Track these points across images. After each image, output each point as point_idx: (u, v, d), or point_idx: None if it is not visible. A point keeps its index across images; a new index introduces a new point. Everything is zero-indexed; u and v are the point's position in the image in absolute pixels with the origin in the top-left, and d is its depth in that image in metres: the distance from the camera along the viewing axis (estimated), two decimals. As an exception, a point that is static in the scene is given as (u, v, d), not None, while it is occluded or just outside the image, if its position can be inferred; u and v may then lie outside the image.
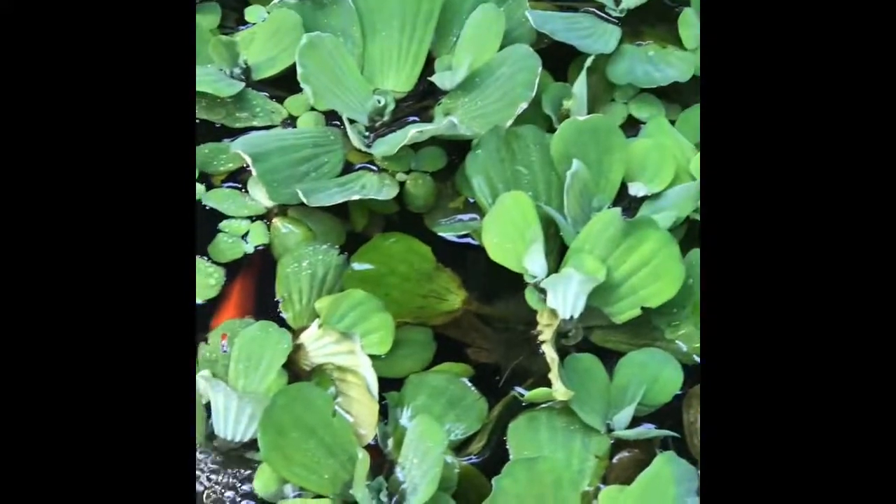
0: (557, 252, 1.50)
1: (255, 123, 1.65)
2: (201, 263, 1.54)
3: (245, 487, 1.40)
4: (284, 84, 1.68)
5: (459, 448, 1.41)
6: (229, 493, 1.40)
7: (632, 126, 1.65)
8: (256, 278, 1.54)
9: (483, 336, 1.50)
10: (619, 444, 1.41)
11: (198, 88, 1.61)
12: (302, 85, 1.58)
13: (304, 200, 1.50)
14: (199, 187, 1.60)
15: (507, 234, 1.47)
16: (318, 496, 1.36)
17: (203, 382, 1.41)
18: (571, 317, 1.45)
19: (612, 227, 1.46)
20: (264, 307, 1.51)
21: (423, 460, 1.34)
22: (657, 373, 1.42)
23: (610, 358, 1.45)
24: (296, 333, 1.47)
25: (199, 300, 1.51)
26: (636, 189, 1.55)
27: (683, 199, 1.52)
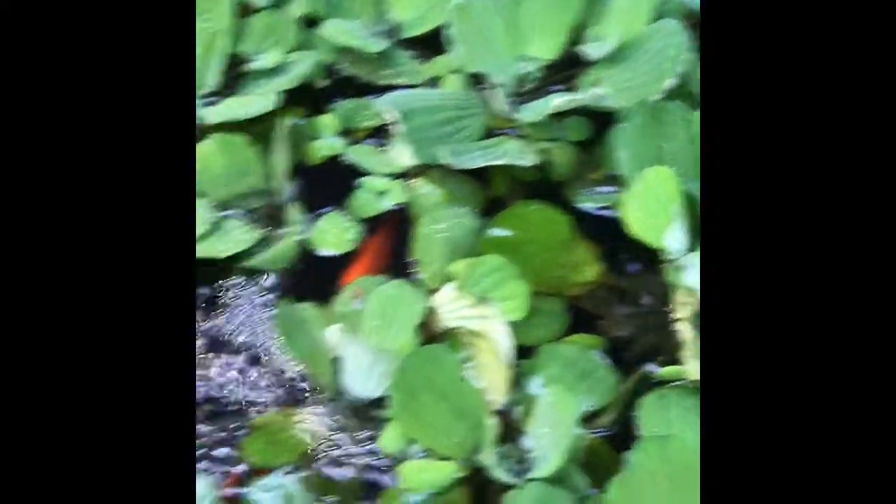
0: (695, 230, 1.48)
1: (398, 81, 1.64)
2: (338, 218, 1.54)
3: (369, 445, 1.40)
4: (428, 44, 1.67)
5: (588, 420, 1.40)
6: (353, 450, 1.41)
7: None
8: (391, 237, 1.54)
9: (616, 310, 1.48)
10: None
11: (345, 43, 1.61)
12: (452, 46, 1.58)
13: (450, 161, 1.49)
14: (340, 142, 1.60)
15: (649, 209, 1.46)
16: (444, 458, 1.36)
17: (335, 336, 1.42)
18: (709, 297, 1.43)
19: (755, 210, 1.44)
20: (396, 266, 1.52)
21: (554, 430, 1.33)
22: (792, 359, 1.41)
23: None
24: (429, 295, 1.46)
25: (334, 252, 1.52)
26: (780, 173, 1.53)
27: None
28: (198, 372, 1.44)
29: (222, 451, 1.40)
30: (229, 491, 1.37)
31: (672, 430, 1.37)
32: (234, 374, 1.45)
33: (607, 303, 1.49)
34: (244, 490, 1.37)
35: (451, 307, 1.44)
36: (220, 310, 1.49)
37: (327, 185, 1.58)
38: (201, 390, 1.43)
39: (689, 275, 1.43)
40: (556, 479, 1.31)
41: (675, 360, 1.42)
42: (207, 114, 1.57)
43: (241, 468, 1.39)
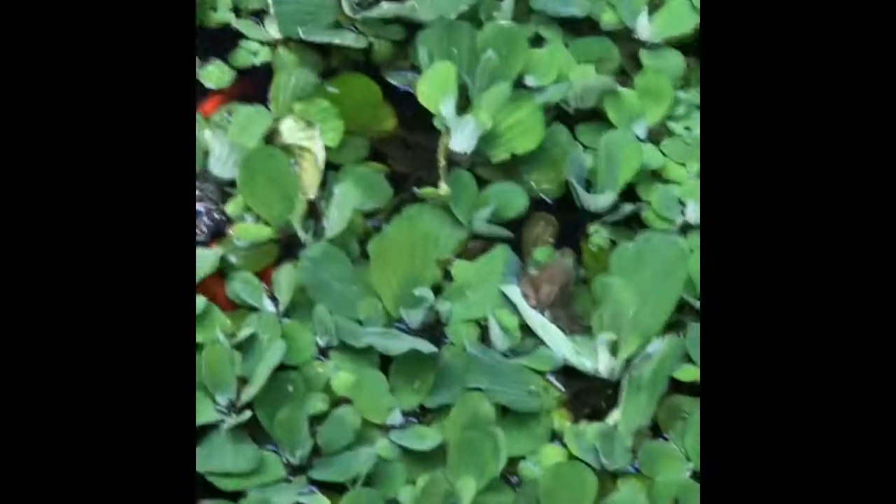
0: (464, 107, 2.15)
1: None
2: (222, 66, 2.21)
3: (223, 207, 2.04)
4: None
5: (368, 215, 2.08)
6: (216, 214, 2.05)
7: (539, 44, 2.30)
8: (256, 83, 2.21)
9: (401, 152, 2.17)
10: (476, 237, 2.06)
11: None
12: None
13: (304, 36, 2.18)
14: (231, 15, 2.27)
15: (433, 87, 2.14)
16: (267, 224, 2.03)
17: (207, 137, 2.08)
18: (465, 152, 2.12)
19: (501, 95, 2.14)
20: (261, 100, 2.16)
21: (339, 213, 2.01)
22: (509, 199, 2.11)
23: (483, 184, 2.12)
24: (276, 121, 2.14)
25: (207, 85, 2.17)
26: (529, 81, 2.22)
27: (559, 92, 2.19)
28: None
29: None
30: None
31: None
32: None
33: (396, 146, 2.18)
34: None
35: (290, 129, 2.12)
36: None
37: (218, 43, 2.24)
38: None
39: (453, 134, 2.12)
40: (338, 241, 1.99)
41: (434, 185, 2.09)
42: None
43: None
